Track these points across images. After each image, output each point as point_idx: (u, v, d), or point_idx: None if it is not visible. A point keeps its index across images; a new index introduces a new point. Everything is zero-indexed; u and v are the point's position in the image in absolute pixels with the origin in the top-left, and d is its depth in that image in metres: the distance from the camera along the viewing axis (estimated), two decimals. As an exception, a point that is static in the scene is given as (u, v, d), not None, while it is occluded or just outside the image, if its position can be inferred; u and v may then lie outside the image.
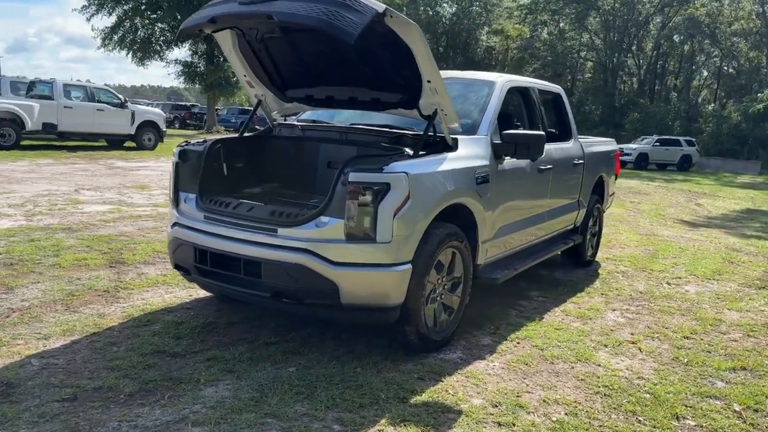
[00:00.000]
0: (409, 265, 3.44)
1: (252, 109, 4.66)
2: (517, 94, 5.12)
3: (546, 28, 51.47)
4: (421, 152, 3.75)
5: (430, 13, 47.35)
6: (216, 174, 4.05)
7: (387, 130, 4.25)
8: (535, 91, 5.30)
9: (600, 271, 6.49)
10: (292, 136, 4.54)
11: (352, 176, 3.30)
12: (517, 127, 4.80)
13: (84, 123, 17.54)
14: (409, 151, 3.70)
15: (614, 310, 5.08)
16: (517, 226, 4.72)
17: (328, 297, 3.34)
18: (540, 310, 4.89)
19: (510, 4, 49.78)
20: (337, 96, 4.23)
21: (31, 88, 17.86)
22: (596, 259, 6.94)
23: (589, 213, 6.42)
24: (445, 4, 48.34)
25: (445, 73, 5.10)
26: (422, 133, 3.84)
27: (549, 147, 5.25)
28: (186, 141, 4.19)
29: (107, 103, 18.26)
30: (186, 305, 4.44)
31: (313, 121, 4.87)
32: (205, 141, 4.10)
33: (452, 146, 3.95)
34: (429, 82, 3.67)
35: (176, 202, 4.01)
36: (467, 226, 4.04)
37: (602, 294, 5.54)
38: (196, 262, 3.73)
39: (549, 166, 5.09)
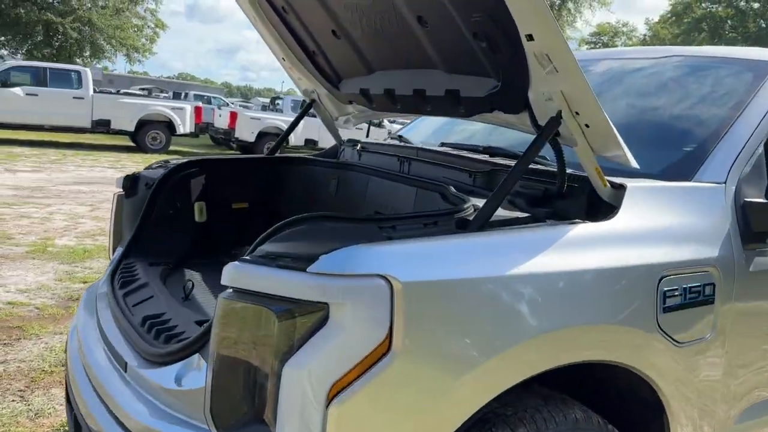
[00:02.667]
0: None
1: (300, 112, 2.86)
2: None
3: None
4: (513, 216, 1.53)
5: (763, 25, 39.24)
6: (181, 220, 2.35)
7: (484, 159, 2.03)
8: None
9: None
10: (340, 162, 2.61)
11: (229, 273, 1.26)
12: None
13: (342, 140, 17.79)
14: (470, 209, 1.50)
15: None
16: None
17: None
18: None
19: None
20: (399, 89, 2.16)
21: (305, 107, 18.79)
22: None
23: None
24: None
25: (673, 49, 2.55)
26: (522, 165, 1.56)
27: None
28: (163, 161, 2.59)
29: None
30: None
31: (399, 138, 2.85)
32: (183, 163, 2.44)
33: (613, 205, 1.57)
34: (530, 39, 1.41)
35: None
36: (631, 405, 1.63)
37: None
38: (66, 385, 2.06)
39: None
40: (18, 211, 7.03)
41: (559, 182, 1.62)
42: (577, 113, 1.50)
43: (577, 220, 1.51)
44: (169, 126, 15.54)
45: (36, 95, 13.87)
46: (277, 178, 2.62)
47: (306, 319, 1.19)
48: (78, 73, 14.76)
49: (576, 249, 1.43)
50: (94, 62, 36.37)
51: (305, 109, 2.84)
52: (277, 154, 2.74)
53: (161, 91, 22.49)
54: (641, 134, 1.92)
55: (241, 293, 1.23)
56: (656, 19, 44.58)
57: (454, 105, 1.94)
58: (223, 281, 1.25)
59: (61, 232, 6.29)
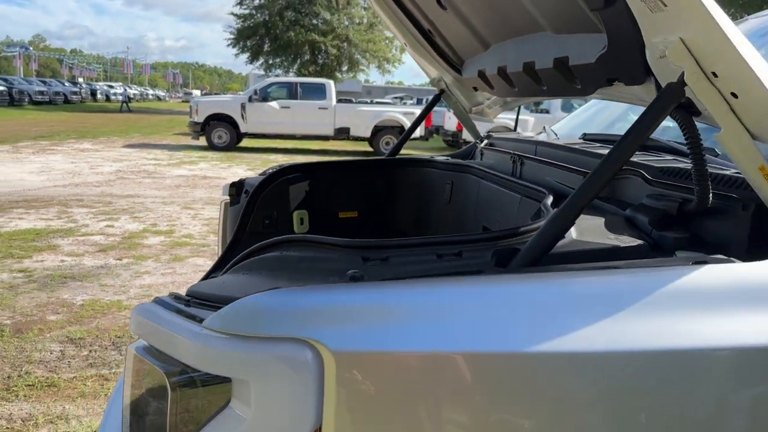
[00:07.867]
0: None
1: (428, 104, 2.44)
2: None
3: None
4: (609, 245, 0.98)
5: None
6: (277, 231, 2.14)
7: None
8: None
9: None
10: (455, 163, 2.13)
11: (134, 317, 0.93)
12: None
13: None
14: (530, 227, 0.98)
15: None
16: None
17: None
18: None
19: None
20: (511, 65, 1.63)
21: (433, 98, 18.00)
22: None
23: None
24: None
25: None
26: (616, 159, 0.97)
27: None
28: (278, 165, 2.41)
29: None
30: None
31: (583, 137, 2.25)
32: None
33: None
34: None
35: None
36: None
37: None
38: None
39: None
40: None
41: (698, 191, 0.98)
42: (714, 74, 0.87)
43: (721, 257, 0.88)
44: (401, 131, 16.07)
45: (289, 107, 15.45)
46: (391, 183, 2.26)
47: (206, 392, 0.82)
48: (323, 85, 16.07)
49: (722, 308, 0.82)
50: (352, 75, 39.80)
51: (433, 100, 2.43)
52: (397, 156, 2.39)
53: (411, 99, 23.53)
54: None
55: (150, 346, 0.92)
56: None
57: (567, 80, 1.37)
58: (131, 326, 0.95)
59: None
